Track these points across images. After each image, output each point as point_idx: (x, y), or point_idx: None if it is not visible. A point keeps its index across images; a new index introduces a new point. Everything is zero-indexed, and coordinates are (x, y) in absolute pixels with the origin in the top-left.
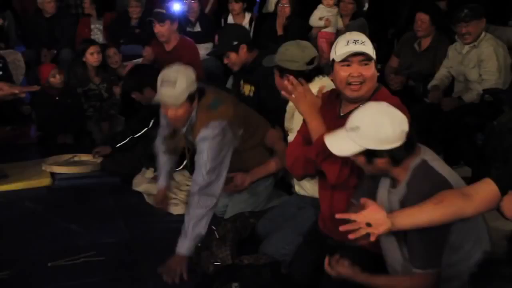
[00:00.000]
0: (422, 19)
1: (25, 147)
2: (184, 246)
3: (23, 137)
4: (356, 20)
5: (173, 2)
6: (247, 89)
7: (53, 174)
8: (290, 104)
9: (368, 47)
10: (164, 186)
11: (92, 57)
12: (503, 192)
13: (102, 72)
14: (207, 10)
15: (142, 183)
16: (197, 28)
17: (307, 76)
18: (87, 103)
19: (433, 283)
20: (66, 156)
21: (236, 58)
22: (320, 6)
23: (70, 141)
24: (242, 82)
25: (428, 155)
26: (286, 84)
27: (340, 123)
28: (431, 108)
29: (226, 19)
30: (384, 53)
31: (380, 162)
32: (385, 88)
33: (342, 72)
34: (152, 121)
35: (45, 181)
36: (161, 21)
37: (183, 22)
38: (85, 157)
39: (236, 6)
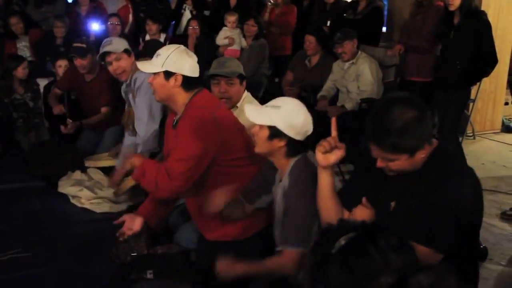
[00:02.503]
0: (310, 40)
1: None
2: None
3: None
4: (258, 41)
5: (92, 22)
6: None
7: None
8: None
9: (155, 60)
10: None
11: (23, 72)
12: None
13: (25, 83)
14: (126, 30)
15: (67, 185)
16: None
17: None
18: (16, 113)
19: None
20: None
21: None
22: (224, 28)
23: None
24: None
25: (309, 153)
26: None
27: (173, 132)
28: (319, 115)
29: (144, 39)
30: (282, 68)
31: (277, 144)
32: (204, 92)
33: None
34: None
35: None
36: (83, 55)
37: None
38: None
39: (153, 27)
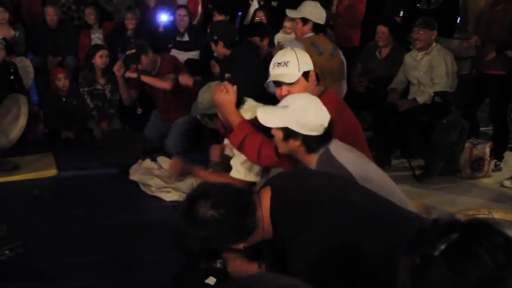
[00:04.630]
0: (382, 30)
1: (33, 142)
2: None
3: (32, 133)
4: None
5: (161, 14)
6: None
7: (58, 166)
8: None
9: (289, 68)
10: None
11: (100, 59)
12: None
13: (107, 75)
14: (195, 21)
15: (138, 173)
16: (186, 38)
17: None
18: (92, 102)
19: None
20: None
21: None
22: (278, 34)
23: (72, 136)
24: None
25: (333, 145)
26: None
27: None
28: (389, 108)
29: None
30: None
31: (294, 143)
32: (331, 90)
33: (277, 91)
34: None
35: (52, 172)
36: (137, 60)
37: (172, 31)
38: None
39: (220, 18)
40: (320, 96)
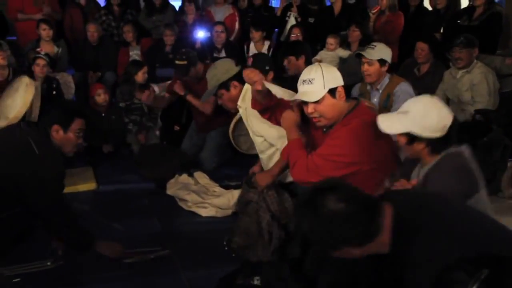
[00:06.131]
0: (422, 47)
1: (74, 156)
2: None
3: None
4: (363, 47)
5: (199, 30)
6: None
7: (98, 180)
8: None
9: (314, 86)
10: None
11: (143, 76)
12: None
13: (144, 89)
14: (232, 38)
15: (175, 188)
16: (223, 54)
17: None
18: (129, 117)
19: None
20: None
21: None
22: (321, 51)
23: (111, 149)
24: None
25: (466, 149)
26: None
27: (325, 137)
28: None
29: (248, 46)
30: None
31: (418, 146)
32: (364, 104)
33: (304, 109)
34: None
35: (92, 186)
36: (186, 73)
37: (209, 48)
38: None
39: (256, 35)
40: (353, 109)
